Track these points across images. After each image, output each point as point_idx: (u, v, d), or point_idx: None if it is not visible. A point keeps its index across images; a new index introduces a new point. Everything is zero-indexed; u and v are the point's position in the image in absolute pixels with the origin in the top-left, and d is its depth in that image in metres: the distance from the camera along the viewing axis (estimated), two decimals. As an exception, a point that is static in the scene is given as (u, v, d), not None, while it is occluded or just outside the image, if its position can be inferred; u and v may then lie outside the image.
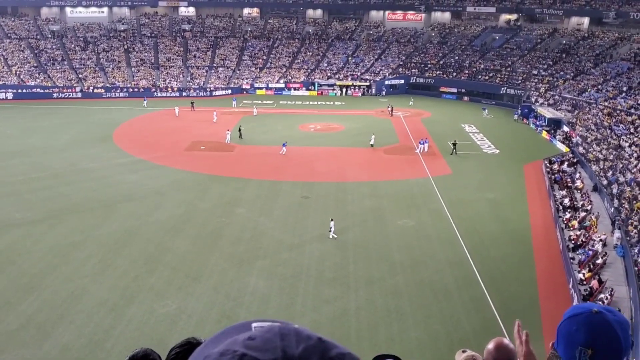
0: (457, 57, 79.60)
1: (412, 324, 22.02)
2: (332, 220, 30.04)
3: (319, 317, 22.27)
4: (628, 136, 44.53)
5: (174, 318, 21.88)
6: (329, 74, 79.42)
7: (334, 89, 76.74)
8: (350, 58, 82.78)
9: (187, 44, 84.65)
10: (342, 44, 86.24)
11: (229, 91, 74.66)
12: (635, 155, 40.00)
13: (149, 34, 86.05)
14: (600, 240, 28.69)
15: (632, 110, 50.33)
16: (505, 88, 70.45)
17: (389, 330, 21.57)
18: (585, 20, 78.15)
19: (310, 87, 77.01)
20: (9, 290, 23.71)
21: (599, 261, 26.77)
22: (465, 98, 72.94)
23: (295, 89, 76.68)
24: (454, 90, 74.49)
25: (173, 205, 34.15)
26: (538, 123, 58.42)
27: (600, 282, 24.55)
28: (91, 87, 72.74)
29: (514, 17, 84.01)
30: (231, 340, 1.14)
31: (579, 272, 25.53)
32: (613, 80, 61.31)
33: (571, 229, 30.90)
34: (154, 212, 32.88)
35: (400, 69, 79.63)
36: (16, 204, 33.76)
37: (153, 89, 73.15)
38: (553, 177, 39.64)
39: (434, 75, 77.27)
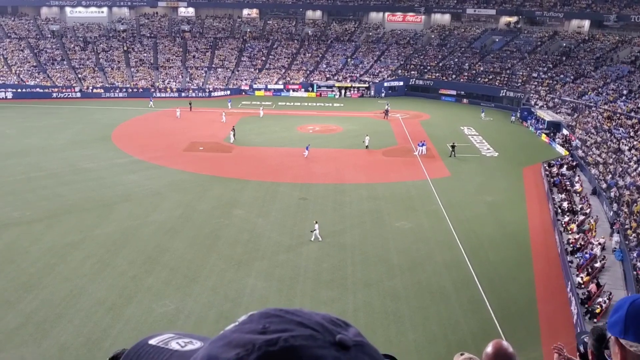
0: (456, 59, 79.58)
1: (409, 326, 22.02)
2: (316, 222, 29.94)
3: (316, 319, 22.23)
4: (628, 140, 44.56)
5: (172, 318, 21.89)
6: (327, 76, 79.38)
7: (332, 91, 76.67)
8: (349, 59, 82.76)
9: (187, 44, 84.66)
10: (341, 46, 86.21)
11: (228, 92, 74.62)
12: (634, 158, 40.03)
13: (149, 35, 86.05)
14: (599, 243, 28.67)
15: (632, 114, 50.33)
16: (505, 91, 70.43)
17: (386, 332, 21.56)
18: (586, 23, 78.20)
19: (309, 89, 76.95)
20: (8, 289, 23.71)
21: (598, 265, 26.79)
22: (465, 100, 72.96)
23: (294, 90, 76.61)
24: (453, 92, 74.41)
25: (171, 205, 34.14)
26: (537, 126, 58.44)
27: (598, 285, 24.56)
28: (90, 87, 72.67)
29: (514, 19, 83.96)
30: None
31: (577, 275, 25.54)
32: (613, 84, 61.33)
33: (570, 232, 30.91)
34: (152, 213, 32.87)
35: (400, 71, 79.58)
36: (15, 203, 33.72)
37: (152, 90, 73.11)
38: (552, 180, 39.63)
39: (433, 77, 77.18)
